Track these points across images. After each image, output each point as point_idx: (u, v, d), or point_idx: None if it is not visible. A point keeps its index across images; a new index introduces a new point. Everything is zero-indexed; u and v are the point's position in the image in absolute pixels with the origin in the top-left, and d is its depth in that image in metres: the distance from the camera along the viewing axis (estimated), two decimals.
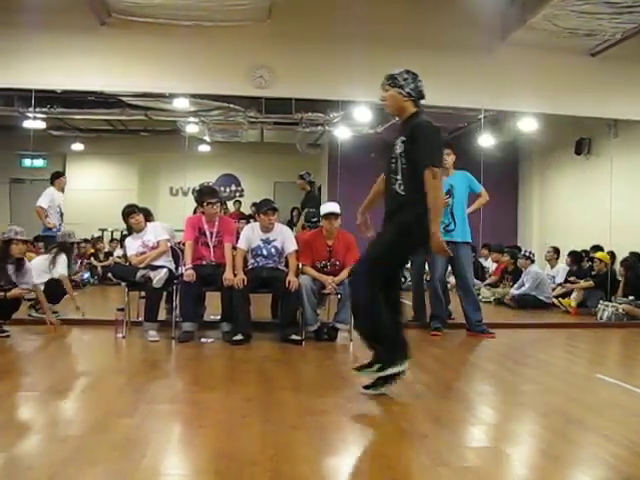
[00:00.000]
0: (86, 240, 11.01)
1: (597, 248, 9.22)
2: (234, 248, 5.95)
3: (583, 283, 8.37)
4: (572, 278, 8.70)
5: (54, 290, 6.64)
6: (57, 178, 7.94)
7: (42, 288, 6.52)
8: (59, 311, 6.74)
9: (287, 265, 5.96)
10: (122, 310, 5.68)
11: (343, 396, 3.67)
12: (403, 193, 3.63)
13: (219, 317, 5.92)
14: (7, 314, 5.72)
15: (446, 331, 6.34)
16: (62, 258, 6.70)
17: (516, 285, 9.01)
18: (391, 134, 3.80)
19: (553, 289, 9.03)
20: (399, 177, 3.65)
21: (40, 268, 6.59)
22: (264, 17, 6.83)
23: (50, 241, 7.23)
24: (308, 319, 5.71)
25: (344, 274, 5.78)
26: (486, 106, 7.99)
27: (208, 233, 5.99)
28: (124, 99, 8.76)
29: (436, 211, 3.52)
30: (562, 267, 9.43)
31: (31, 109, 8.06)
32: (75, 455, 2.63)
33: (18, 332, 5.77)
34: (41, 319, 6.48)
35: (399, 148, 3.67)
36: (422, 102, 3.96)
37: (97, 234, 11.38)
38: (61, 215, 7.83)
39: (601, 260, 8.44)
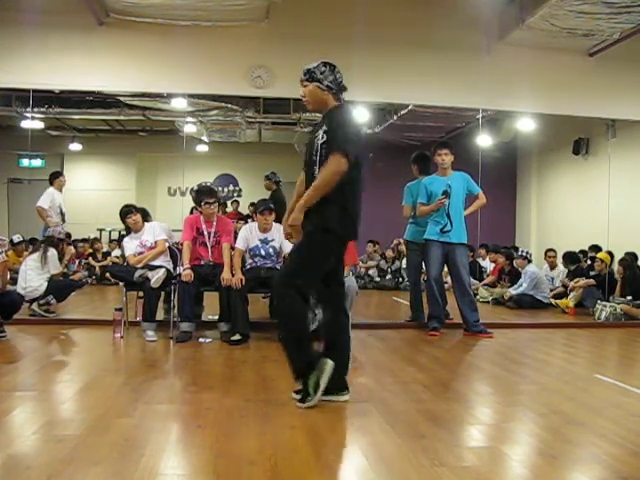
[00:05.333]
0: (84, 240, 11.01)
1: (596, 248, 9.23)
2: (232, 248, 5.95)
3: (584, 281, 8.37)
4: (575, 279, 8.68)
5: (58, 288, 6.67)
6: (56, 178, 7.92)
7: (45, 287, 6.56)
8: (56, 311, 6.76)
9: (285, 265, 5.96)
10: (120, 310, 5.67)
11: None
12: None
13: (217, 317, 5.92)
14: (8, 314, 5.73)
15: (444, 331, 6.35)
16: (51, 252, 6.73)
17: (515, 285, 9.03)
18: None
19: (552, 290, 9.04)
20: (316, 168, 3.48)
21: (35, 270, 6.62)
22: (262, 17, 6.83)
23: None
24: None
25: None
26: (484, 106, 8.00)
27: (206, 233, 5.99)
28: (122, 99, 8.77)
29: (310, 197, 3.39)
30: (562, 269, 9.42)
31: (29, 109, 8.06)
32: (73, 455, 2.63)
33: (17, 332, 5.76)
34: (42, 316, 6.52)
35: (321, 139, 3.50)
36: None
37: (95, 234, 11.37)
38: (62, 215, 7.82)
39: (602, 260, 8.45)
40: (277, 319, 3.72)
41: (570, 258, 9.21)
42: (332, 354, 3.54)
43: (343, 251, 3.67)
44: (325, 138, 3.47)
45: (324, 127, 3.52)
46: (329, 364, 3.45)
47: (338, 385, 3.57)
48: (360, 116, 9.18)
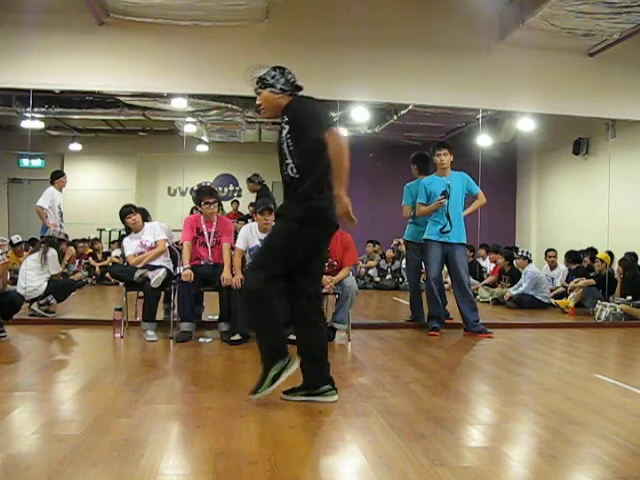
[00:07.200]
0: (84, 240, 11.01)
1: (592, 250, 9.23)
2: (232, 248, 5.95)
3: (584, 281, 8.37)
4: (575, 279, 8.68)
5: (58, 288, 6.68)
6: (57, 178, 7.91)
7: (45, 287, 6.57)
8: (56, 311, 6.76)
9: None
10: (120, 310, 5.68)
11: (341, 396, 3.66)
12: (297, 175, 3.49)
13: (217, 317, 5.92)
14: (8, 314, 5.73)
15: (444, 331, 6.35)
16: (51, 253, 6.74)
17: (515, 285, 9.03)
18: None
19: (552, 290, 9.04)
20: (289, 160, 3.50)
21: (35, 270, 6.62)
22: (262, 17, 6.83)
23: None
24: None
25: (342, 274, 5.78)
26: (484, 106, 7.99)
27: (206, 233, 5.99)
28: (122, 99, 8.77)
29: (341, 173, 3.35)
30: (563, 269, 9.43)
31: (29, 109, 8.05)
32: (74, 455, 2.62)
33: (17, 332, 5.76)
34: (42, 316, 6.52)
35: (284, 132, 3.53)
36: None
37: (95, 234, 11.36)
38: (61, 215, 7.82)
39: (602, 260, 8.46)
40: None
41: (572, 257, 9.21)
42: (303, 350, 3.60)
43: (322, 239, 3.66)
44: (288, 128, 3.51)
45: (285, 119, 3.56)
46: (295, 363, 3.48)
47: (319, 383, 3.58)
48: (360, 116, 9.21)
